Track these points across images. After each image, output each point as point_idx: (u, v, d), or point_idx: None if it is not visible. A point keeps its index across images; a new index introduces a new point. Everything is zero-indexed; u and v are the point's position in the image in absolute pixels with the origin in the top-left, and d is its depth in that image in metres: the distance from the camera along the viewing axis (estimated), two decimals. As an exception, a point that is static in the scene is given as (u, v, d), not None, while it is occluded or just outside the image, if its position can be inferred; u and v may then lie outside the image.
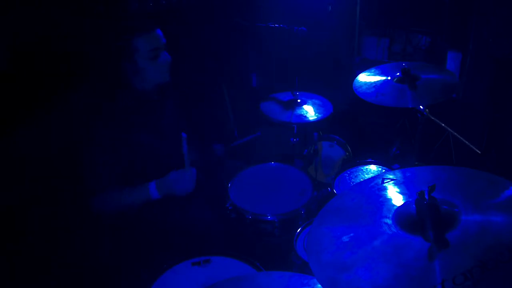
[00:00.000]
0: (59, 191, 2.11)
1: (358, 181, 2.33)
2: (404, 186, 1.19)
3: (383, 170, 2.38)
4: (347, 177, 2.36)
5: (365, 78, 2.19)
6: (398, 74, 2.08)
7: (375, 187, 1.21)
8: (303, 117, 2.51)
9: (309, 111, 2.54)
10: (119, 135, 1.84)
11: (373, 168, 2.42)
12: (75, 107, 2.05)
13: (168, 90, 2.01)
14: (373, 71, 2.24)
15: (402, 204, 1.12)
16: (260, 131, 2.28)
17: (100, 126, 1.85)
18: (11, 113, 2.04)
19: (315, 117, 2.50)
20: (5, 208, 1.98)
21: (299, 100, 2.59)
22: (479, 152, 2.11)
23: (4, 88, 2.04)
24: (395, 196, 1.16)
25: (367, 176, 2.35)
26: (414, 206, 1.05)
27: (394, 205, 1.13)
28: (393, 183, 1.21)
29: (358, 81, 2.18)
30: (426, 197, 1.02)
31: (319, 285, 1.18)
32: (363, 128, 3.54)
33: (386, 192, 1.19)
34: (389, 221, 1.07)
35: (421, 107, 2.08)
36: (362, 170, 2.41)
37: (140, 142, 1.90)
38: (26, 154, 2.06)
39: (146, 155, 1.92)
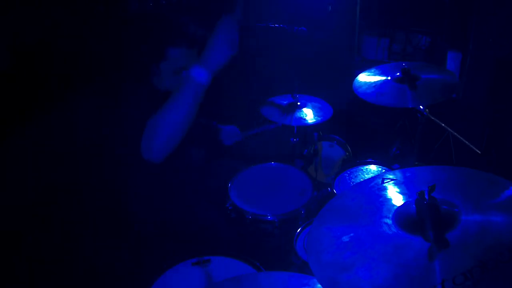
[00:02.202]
0: (60, 191, 2.11)
1: (358, 181, 2.33)
2: (404, 186, 1.19)
3: (383, 170, 2.38)
4: (347, 177, 2.36)
5: (365, 78, 2.19)
6: (398, 74, 2.08)
7: (375, 187, 1.21)
8: (302, 120, 2.51)
9: (309, 114, 2.55)
10: (130, 131, 1.78)
11: (373, 168, 2.42)
12: (78, 107, 2.05)
13: None
14: (373, 71, 2.24)
15: (402, 204, 1.12)
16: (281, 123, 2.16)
17: (108, 123, 1.82)
18: (13, 113, 2.04)
19: (314, 120, 2.51)
20: (6, 208, 1.98)
21: (299, 103, 2.59)
22: (479, 152, 2.11)
23: (4, 87, 2.04)
24: (395, 196, 1.16)
25: (367, 176, 2.35)
26: (414, 206, 1.05)
27: (394, 205, 1.12)
28: (393, 183, 1.21)
29: (358, 81, 2.18)
30: (426, 197, 1.02)
31: (319, 285, 1.18)
32: (363, 128, 3.54)
33: (386, 192, 1.19)
34: (389, 221, 1.07)
35: (421, 107, 2.08)
36: (362, 170, 2.41)
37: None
38: (28, 153, 2.06)
39: None
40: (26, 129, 2.06)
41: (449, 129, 2.09)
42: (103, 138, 1.84)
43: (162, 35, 1.75)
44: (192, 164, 2.11)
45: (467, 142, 2.06)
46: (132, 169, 1.87)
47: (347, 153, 2.76)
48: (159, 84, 1.84)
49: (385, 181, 1.22)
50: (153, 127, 1.59)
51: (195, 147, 2.13)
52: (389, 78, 2.12)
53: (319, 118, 2.52)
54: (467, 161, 2.71)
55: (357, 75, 2.22)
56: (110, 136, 1.84)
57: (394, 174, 1.25)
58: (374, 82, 2.13)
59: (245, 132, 2.29)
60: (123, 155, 1.84)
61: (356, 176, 2.36)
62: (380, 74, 2.18)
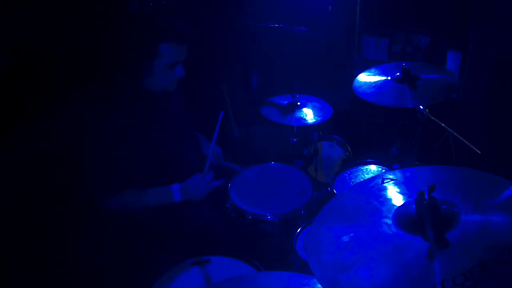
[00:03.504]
0: (59, 191, 2.11)
1: (358, 181, 2.33)
2: (404, 186, 1.19)
3: (383, 170, 2.38)
4: (347, 177, 2.36)
5: (365, 78, 2.19)
6: (398, 74, 2.08)
7: (375, 187, 1.21)
8: (302, 120, 2.51)
9: (309, 114, 2.55)
10: (123, 132, 1.84)
11: (373, 168, 2.42)
12: (78, 107, 2.05)
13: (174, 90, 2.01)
14: (373, 71, 2.24)
15: (402, 204, 1.12)
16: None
17: (103, 124, 1.84)
18: (13, 113, 2.04)
19: (314, 120, 2.50)
20: (6, 208, 1.98)
21: (299, 103, 2.59)
22: (479, 152, 2.11)
23: (5, 88, 2.04)
24: (395, 196, 1.16)
25: (367, 176, 2.35)
26: (414, 206, 1.05)
27: (394, 205, 1.13)
28: (393, 183, 1.21)
29: (358, 81, 2.18)
30: (426, 197, 1.02)
31: (319, 285, 1.18)
32: (363, 128, 3.54)
33: (386, 192, 1.19)
34: (389, 221, 1.07)
35: (421, 107, 2.08)
36: (362, 170, 2.41)
37: (144, 140, 1.89)
38: (28, 154, 2.06)
39: (150, 153, 1.92)
40: (27, 130, 2.06)
41: (449, 129, 2.10)
42: (106, 136, 1.84)
43: (154, 32, 1.78)
44: (191, 165, 2.12)
45: (467, 142, 2.07)
46: (131, 169, 1.87)
47: (347, 153, 2.76)
48: (149, 84, 1.87)
49: (385, 181, 1.23)
50: (126, 200, 1.88)
51: (193, 151, 2.15)
52: (389, 78, 2.12)
53: (319, 118, 2.52)
54: (467, 161, 2.71)
55: (357, 75, 2.22)
56: (113, 134, 1.84)
57: (394, 174, 1.25)
58: (374, 82, 2.13)
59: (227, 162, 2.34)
60: (120, 156, 1.84)
61: (356, 176, 2.36)
62: (380, 74, 2.18)
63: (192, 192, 1.93)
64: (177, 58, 1.83)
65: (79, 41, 2.27)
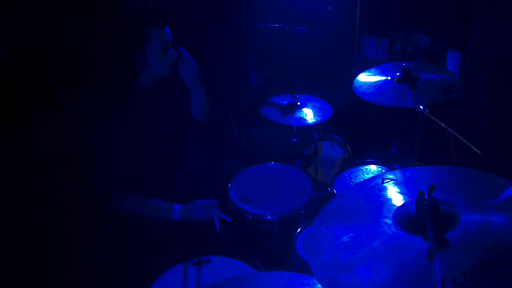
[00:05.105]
0: (59, 191, 2.11)
1: (358, 181, 2.33)
2: (404, 186, 1.19)
3: (383, 170, 2.38)
4: (347, 177, 2.36)
5: (365, 78, 2.19)
6: (398, 74, 2.08)
7: (375, 187, 1.21)
8: (302, 120, 2.51)
9: (309, 114, 2.55)
10: (122, 132, 1.85)
11: (373, 168, 2.42)
12: (79, 106, 2.06)
13: (168, 85, 2.02)
14: (373, 71, 2.24)
15: (402, 204, 1.12)
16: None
17: (103, 125, 1.85)
18: (14, 112, 2.04)
19: (314, 120, 2.50)
20: (8, 207, 1.98)
21: (298, 103, 2.59)
22: (479, 152, 2.11)
23: (9, 87, 2.05)
24: (395, 196, 1.16)
25: (367, 176, 2.35)
26: (414, 206, 1.05)
27: (394, 205, 1.13)
28: (393, 183, 1.21)
29: (358, 81, 2.18)
30: (426, 197, 1.02)
31: (319, 285, 1.18)
32: (363, 128, 3.54)
33: (386, 192, 1.19)
34: (389, 221, 1.07)
35: (421, 107, 2.08)
36: (362, 170, 2.41)
37: (141, 138, 1.90)
38: (29, 154, 2.06)
39: (150, 152, 1.93)
40: (27, 130, 2.06)
41: (449, 129, 2.09)
42: (106, 134, 1.84)
43: (137, 21, 1.87)
44: (194, 165, 2.12)
45: (467, 142, 2.06)
46: (134, 171, 1.88)
47: (347, 153, 2.76)
48: (146, 75, 1.90)
49: (385, 181, 1.23)
50: (129, 206, 1.92)
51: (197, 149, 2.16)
52: (389, 78, 2.12)
53: (319, 118, 2.52)
54: (467, 161, 2.71)
55: (357, 75, 2.22)
56: (112, 131, 1.84)
57: (394, 174, 1.25)
58: (374, 82, 2.13)
59: None
60: (120, 156, 1.84)
61: (356, 176, 2.36)
62: (380, 74, 2.18)
63: (192, 216, 1.95)
64: (166, 39, 1.89)
65: (80, 41, 2.27)
